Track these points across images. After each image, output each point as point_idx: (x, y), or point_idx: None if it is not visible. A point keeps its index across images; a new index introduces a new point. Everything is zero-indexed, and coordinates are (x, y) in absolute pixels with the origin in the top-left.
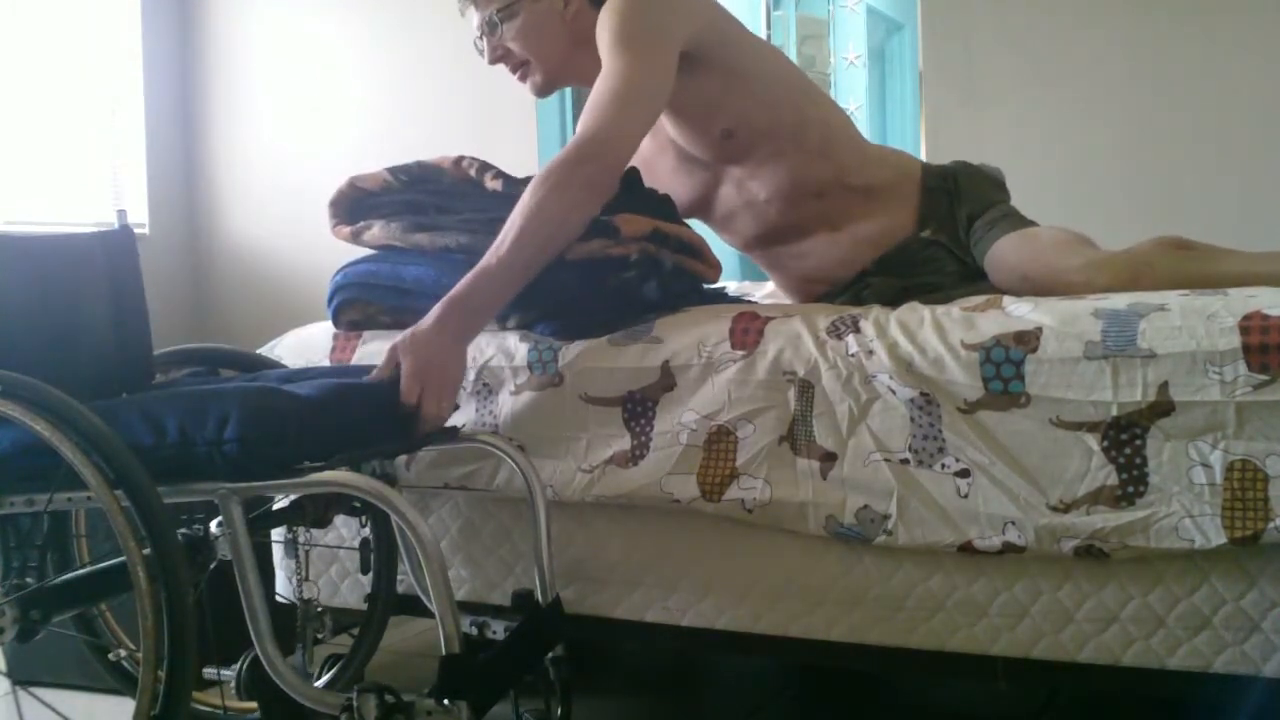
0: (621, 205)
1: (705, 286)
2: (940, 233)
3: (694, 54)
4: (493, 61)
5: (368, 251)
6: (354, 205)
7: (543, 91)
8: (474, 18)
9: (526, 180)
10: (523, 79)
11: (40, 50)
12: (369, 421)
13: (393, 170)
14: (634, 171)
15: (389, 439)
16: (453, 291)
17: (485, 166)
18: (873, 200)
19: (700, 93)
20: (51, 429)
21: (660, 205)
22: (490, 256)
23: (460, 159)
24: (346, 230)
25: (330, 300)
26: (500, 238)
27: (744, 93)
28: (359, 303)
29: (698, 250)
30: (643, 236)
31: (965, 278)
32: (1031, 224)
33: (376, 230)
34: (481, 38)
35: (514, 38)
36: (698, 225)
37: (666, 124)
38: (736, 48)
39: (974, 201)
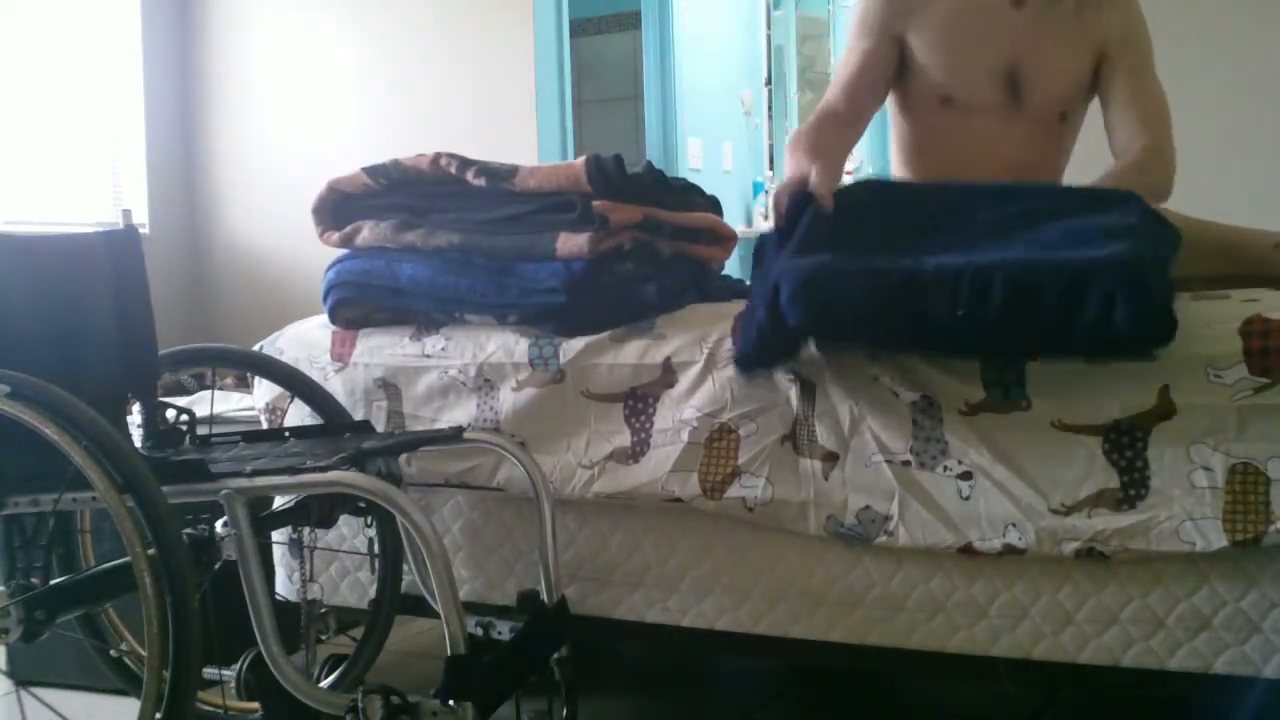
0: (607, 191)
1: (720, 274)
2: None
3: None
4: None
5: None
6: (337, 209)
7: None
8: None
9: (511, 172)
10: None
11: (41, 50)
12: None
13: (371, 173)
14: (617, 159)
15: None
16: None
17: (465, 164)
18: None
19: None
20: (59, 431)
21: (653, 189)
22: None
23: (438, 157)
24: (336, 236)
25: (325, 297)
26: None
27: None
28: (355, 302)
29: (698, 234)
30: (633, 225)
31: None
32: None
33: (366, 233)
34: None
35: None
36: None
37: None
38: None
39: None
